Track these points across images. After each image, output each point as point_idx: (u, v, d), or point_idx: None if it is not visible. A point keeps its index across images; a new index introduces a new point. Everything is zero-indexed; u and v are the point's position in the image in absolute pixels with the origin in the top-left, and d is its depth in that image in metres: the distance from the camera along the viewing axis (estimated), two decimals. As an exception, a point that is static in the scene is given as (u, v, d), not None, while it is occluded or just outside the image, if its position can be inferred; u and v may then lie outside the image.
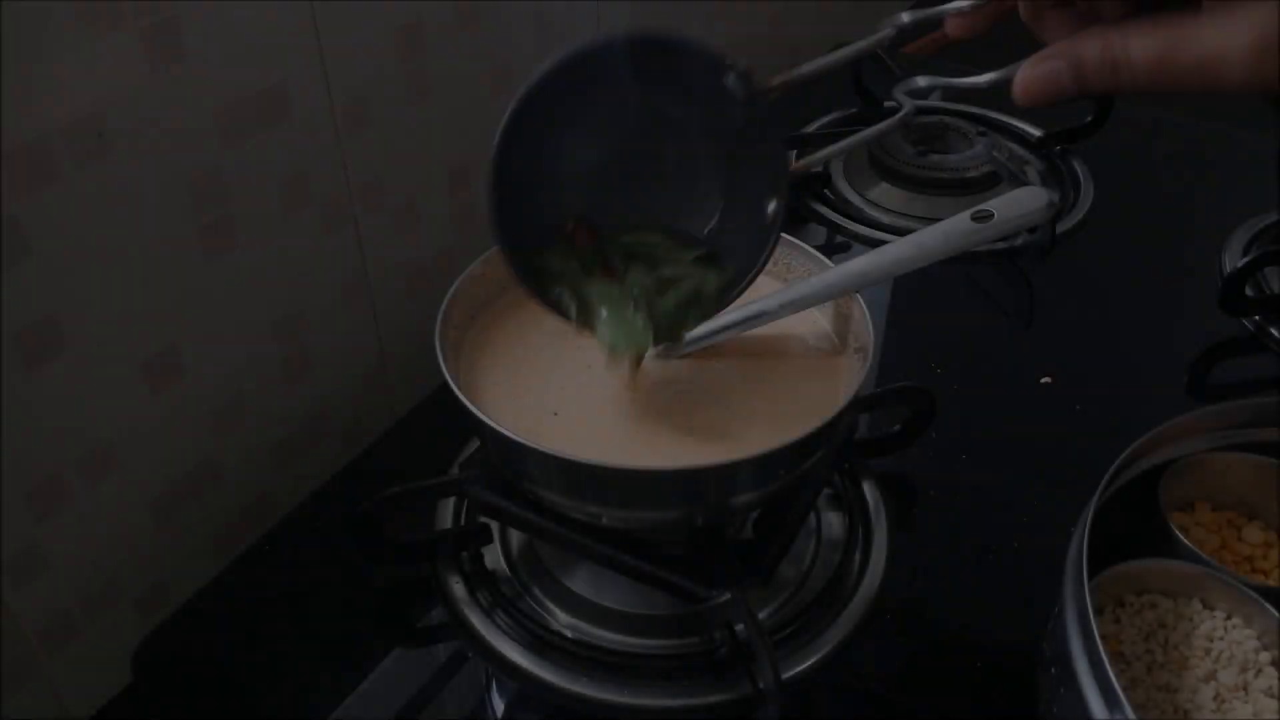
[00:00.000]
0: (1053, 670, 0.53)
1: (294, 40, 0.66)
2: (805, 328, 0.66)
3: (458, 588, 0.66)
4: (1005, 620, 0.66)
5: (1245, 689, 0.55)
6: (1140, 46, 0.41)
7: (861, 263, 0.62)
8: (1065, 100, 0.44)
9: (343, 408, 0.82)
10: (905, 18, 0.51)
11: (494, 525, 0.69)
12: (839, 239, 1.00)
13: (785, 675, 0.60)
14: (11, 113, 0.53)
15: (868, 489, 0.72)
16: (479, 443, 0.72)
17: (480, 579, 0.67)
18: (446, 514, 0.71)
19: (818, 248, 0.66)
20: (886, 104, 1.12)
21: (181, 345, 0.67)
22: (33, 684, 0.65)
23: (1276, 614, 0.55)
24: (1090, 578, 0.52)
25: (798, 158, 1.10)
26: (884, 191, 1.04)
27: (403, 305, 0.84)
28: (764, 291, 0.66)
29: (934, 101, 1.19)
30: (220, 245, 0.67)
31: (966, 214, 0.62)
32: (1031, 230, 0.96)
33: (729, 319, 0.64)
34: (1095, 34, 0.42)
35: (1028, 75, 0.44)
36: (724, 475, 0.55)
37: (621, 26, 0.95)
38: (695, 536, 0.61)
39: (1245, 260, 0.86)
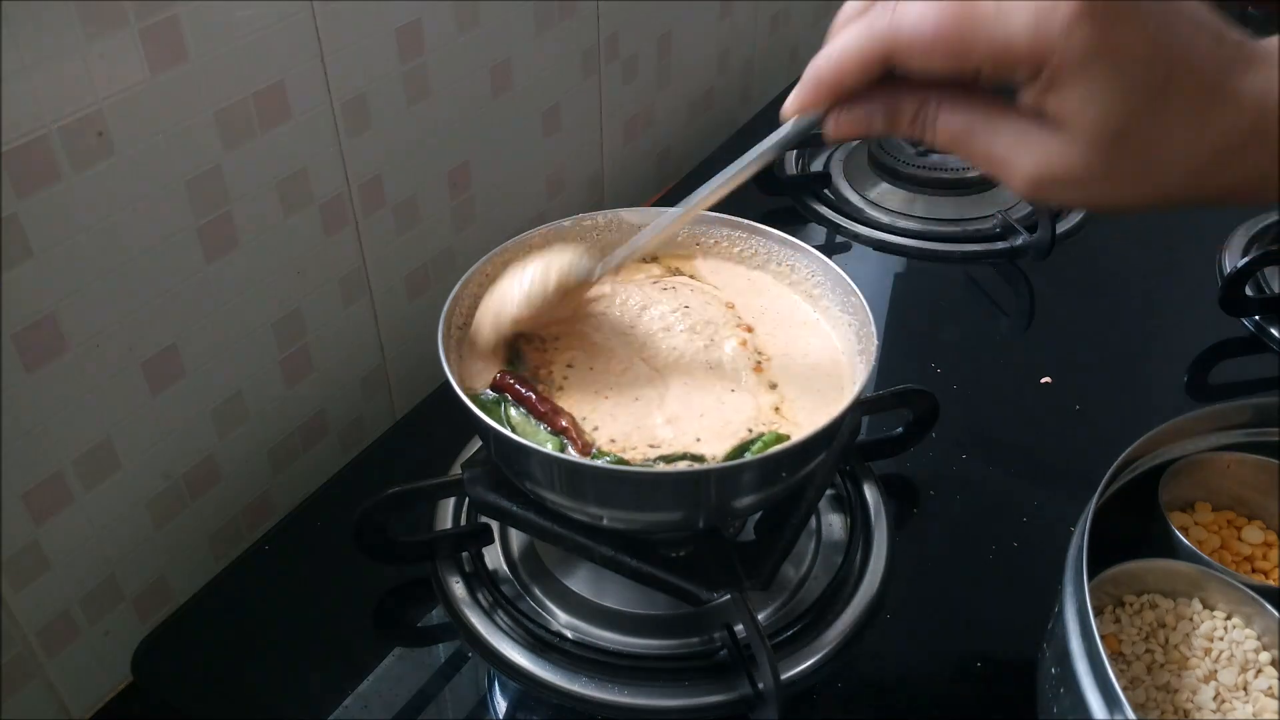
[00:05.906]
0: (1053, 670, 0.53)
1: (294, 40, 0.66)
2: (810, 331, 0.66)
3: (458, 588, 0.66)
4: (1005, 621, 0.66)
5: (1245, 689, 0.55)
6: (946, 121, 0.42)
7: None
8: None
9: (343, 408, 0.82)
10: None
11: (494, 525, 0.69)
12: (839, 239, 1.00)
13: (785, 676, 0.60)
14: (11, 113, 0.53)
15: (869, 491, 0.72)
16: (480, 443, 0.72)
17: (480, 579, 0.67)
18: (446, 514, 0.71)
19: (818, 247, 0.66)
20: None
21: (181, 345, 0.67)
22: (33, 684, 0.65)
23: (1276, 614, 0.55)
24: (1090, 578, 0.52)
25: (797, 158, 1.11)
26: (884, 191, 1.04)
27: (403, 305, 0.84)
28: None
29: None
30: (220, 245, 0.67)
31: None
32: (1031, 230, 0.96)
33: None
34: (918, 93, 0.42)
35: (845, 118, 0.44)
36: (726, 478, 0.55)
37: (621, 23, 0.95)
38: (697, 538, 0.61)
39: (1245, 260, 0.86)
